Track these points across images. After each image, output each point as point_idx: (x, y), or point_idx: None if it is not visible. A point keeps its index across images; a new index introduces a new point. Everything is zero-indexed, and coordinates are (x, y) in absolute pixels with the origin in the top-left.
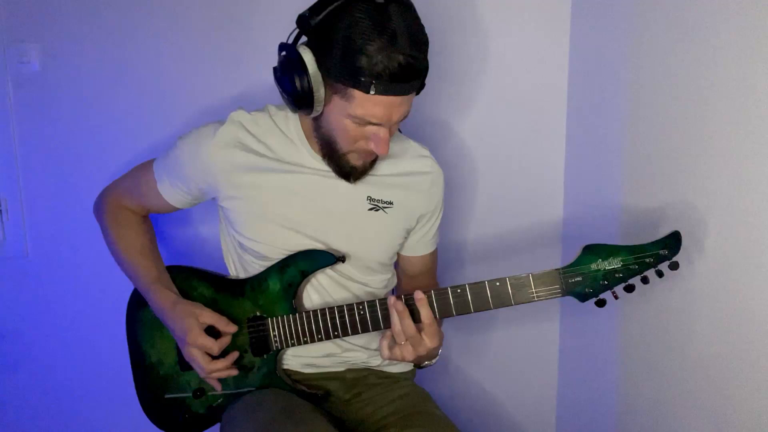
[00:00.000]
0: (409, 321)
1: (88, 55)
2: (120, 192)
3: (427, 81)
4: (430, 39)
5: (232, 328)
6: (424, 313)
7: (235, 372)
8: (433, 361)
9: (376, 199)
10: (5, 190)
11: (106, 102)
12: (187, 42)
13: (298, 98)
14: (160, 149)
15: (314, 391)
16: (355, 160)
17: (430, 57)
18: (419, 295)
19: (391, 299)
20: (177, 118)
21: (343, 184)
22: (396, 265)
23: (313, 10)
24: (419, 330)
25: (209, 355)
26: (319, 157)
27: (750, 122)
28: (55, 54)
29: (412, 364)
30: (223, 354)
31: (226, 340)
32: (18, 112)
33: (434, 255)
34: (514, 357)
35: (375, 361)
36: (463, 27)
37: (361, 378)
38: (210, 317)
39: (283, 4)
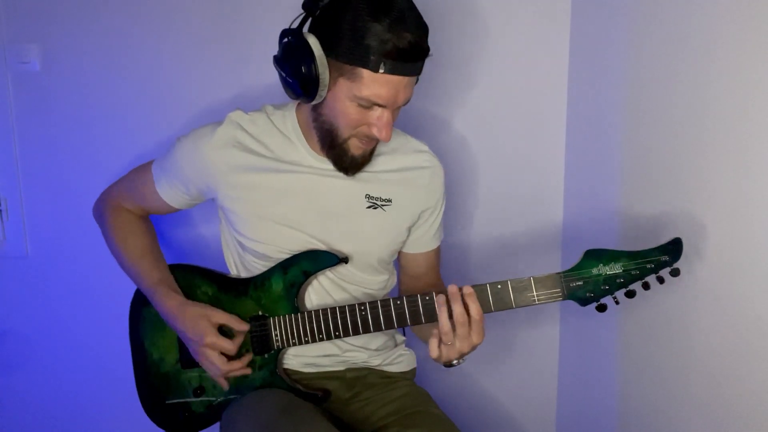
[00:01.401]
0: (461, 308)
1: (88, 55)
2: (119, 194)
3: (426, 80)
4: (429, 36)
5: (245, 327)
6: (474, 307)
7: (249, 371)
8: (462, 360)
9: (375, 196)
10: (5, 190)
11: (106, 102)
12: (186, 43)
13: (304, 83)
14: (159, 149)
15: (314, 391)
16: (355, 149)
17: (429, 54)
18: (469, 290)
19: (440, 298)
20: (176, 119)
21: (341, 182)
22: (398, 266)
23: None
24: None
25: (225, 355)
26: (317, 156)
27: (750, 127)
28: (55, 54)
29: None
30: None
31: (240, 340)
32: (18, 112)
33: (438, 253)
34: (514, 358)
35: (375, 361)
36: (463, 26)
37: (361, 377)
38: (221, 317)
39: (281, 5)
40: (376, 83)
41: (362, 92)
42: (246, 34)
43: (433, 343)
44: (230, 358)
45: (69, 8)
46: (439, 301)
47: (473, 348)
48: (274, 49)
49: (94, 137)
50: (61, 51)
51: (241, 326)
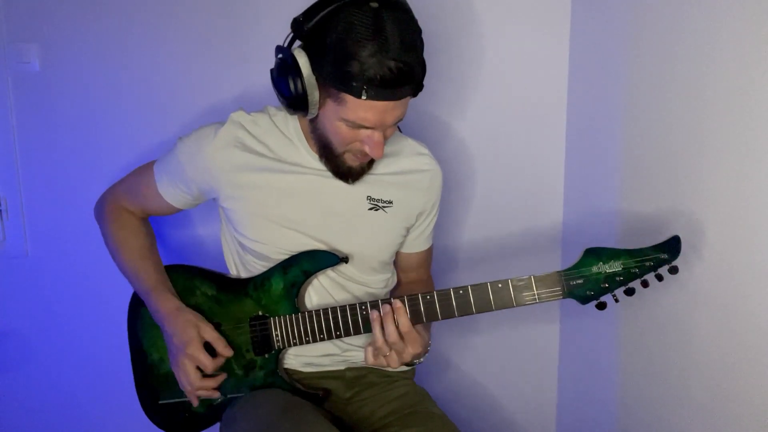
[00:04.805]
0: (392, 327)
1: (88, 55)
2: (120, 194)
3: (426, 82)
4: (429, 39)
5: (228, 352)
6: (402, 321)
7: (216, 395)
8: (422, 359)
9: (376, 198)
10: (5, 190)
11: (106, 102)
12: (187, 42)
13: (293, 101)
14: (160, 149)
15: (315, 391)
16: (351, 161)
17: (429, 57)
18: (397, 304)
19: (373, 314)
20: (177, 119)
21: (342, 184)
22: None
23: (306, 15)
24: (401, 337)
25: (200, 372)
26: (318, 157)
27: (749, 127)
28: (55, 54)
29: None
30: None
31: (219, 362)
32: (18, 112)
33: (429, 251)
34: (514, 357)
35: None
36: (463, 27)
37: (360, 377)
38: (210, 334)
39: (283, 5)
40: (360, 108)
41: (348, 116)
42: (247, 34)
43: (368, 351)
44: (207, 376)
45: (69, 8)
46: (373, 316)
47: (416, 357)
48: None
49: (94, 137)
50: (61, 51)
51: (225, 350)
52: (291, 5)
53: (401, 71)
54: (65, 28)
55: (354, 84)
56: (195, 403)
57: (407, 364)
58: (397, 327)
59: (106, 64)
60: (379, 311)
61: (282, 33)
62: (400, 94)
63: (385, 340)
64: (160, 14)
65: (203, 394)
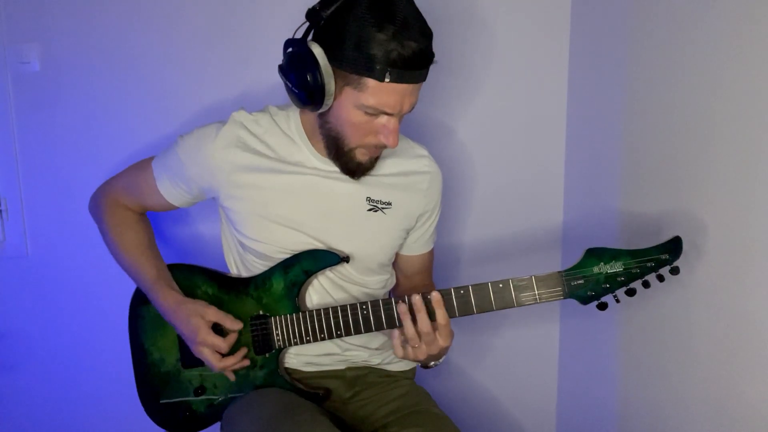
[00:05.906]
0: (425, 317)
1: (88, 55)
2: (117, 190)
3: (428, 85)
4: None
5: (238, 325)
6: (440, 313)
7: (247, 363)
8: (440, 361)
9: (375, 199)
10: (5, 190)
11: (106, 102)
12: (187, 42)
13: (309, 92)
14: (160, 149)
15: (315, 390)
16: (361, 156)
17: (434, 60)
18: (436, 296)
19: (401, 307)
20: (177, 119)
21: (343, 184)
22: (393, 264)
23: (323, 3)
24: (434, 329)
25: (219, 352)
26: (320, 157)
27: (750, 126)
28: (55, 54)
29: (419, 364)
30: (233, 350)
31: (233, 338)
32: (18, 112)
33: (431, 254)
34: (514, 357)
35: (375, 360)
36: (463, 28)
37: (361, 376)
38: (215, 315)
39: (284, 4)
40: (382, 92)
41: (368, 101)
42: (248, 33)
43: (397, 343)
44: (226, 354)
45: (69, 8)
46: (401, 309)
47: (441, 350)
48: (278, 48)
49: (94, 137)
50: (61, 51)
51: (233, 325)
52: (291, 5)
53: (422, 52)
54: (65, 28)
55: (377, 67)
56: (231, 378)
57: (424, 366)
58: (432, 320)
59: (106, 63)
60: (405, 303)
61: (284, 32)
62: (420, 76)
63: (417, 332)
64: (160, 13)
65: (234, 368)
